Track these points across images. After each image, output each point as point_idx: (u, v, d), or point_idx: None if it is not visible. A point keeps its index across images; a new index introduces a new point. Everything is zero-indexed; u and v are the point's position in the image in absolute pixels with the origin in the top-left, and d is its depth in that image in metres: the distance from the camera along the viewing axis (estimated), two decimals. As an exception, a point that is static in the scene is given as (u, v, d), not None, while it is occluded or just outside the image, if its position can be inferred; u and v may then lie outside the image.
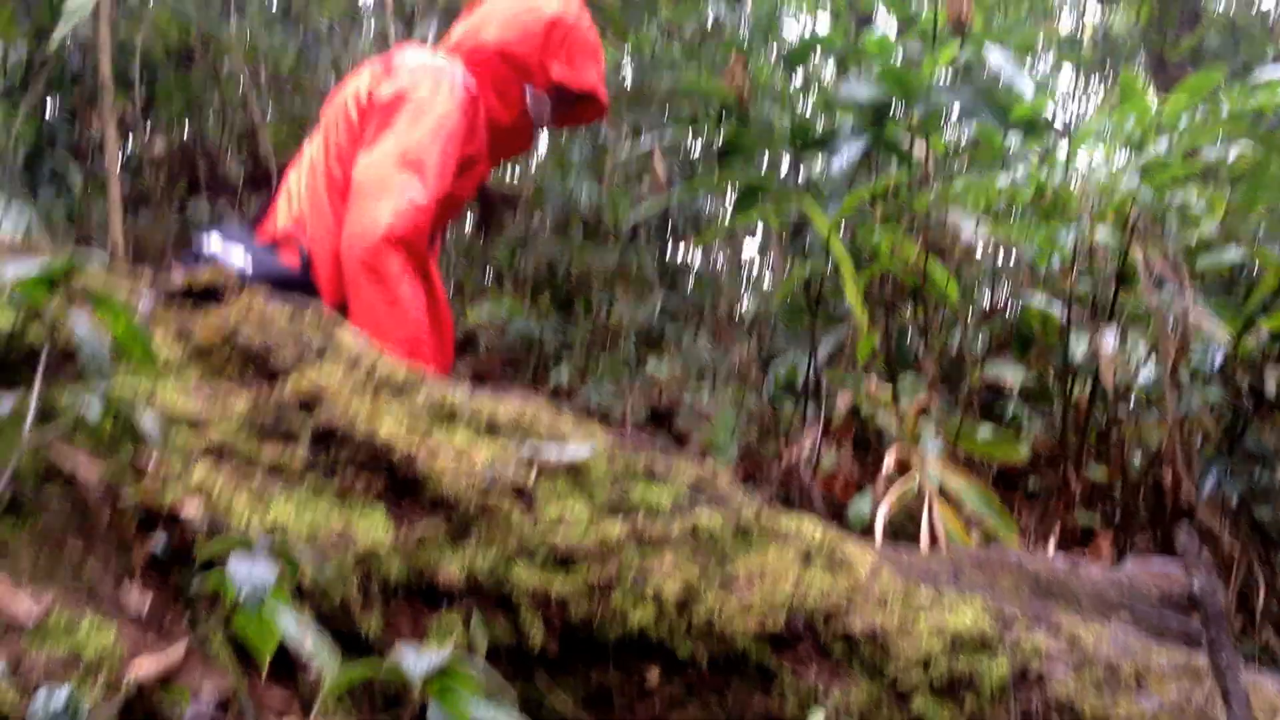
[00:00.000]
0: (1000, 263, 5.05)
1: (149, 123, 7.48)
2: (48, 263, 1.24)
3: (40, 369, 1.19)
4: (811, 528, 1.55)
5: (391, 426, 1.40)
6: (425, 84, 3.00)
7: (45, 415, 1.18)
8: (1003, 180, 3.87)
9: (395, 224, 2.72)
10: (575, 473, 1.46)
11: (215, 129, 7.51)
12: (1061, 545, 3.94)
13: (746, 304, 7.23)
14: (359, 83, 3.12)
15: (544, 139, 8.04)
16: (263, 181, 6.66)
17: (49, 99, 6.37)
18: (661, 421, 6.55)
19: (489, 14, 3.26)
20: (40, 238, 4.25)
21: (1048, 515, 4.14)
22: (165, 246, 6.79)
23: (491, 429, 1.48)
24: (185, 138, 7.40)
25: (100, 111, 5.75)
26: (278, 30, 6.53)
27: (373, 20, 7.18)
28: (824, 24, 7.07)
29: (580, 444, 1.49)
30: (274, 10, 7.30)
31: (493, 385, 5.62)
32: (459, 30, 3.31)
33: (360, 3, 7.24)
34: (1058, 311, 3.98)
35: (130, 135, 7.21)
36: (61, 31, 1.10)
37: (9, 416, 1.13)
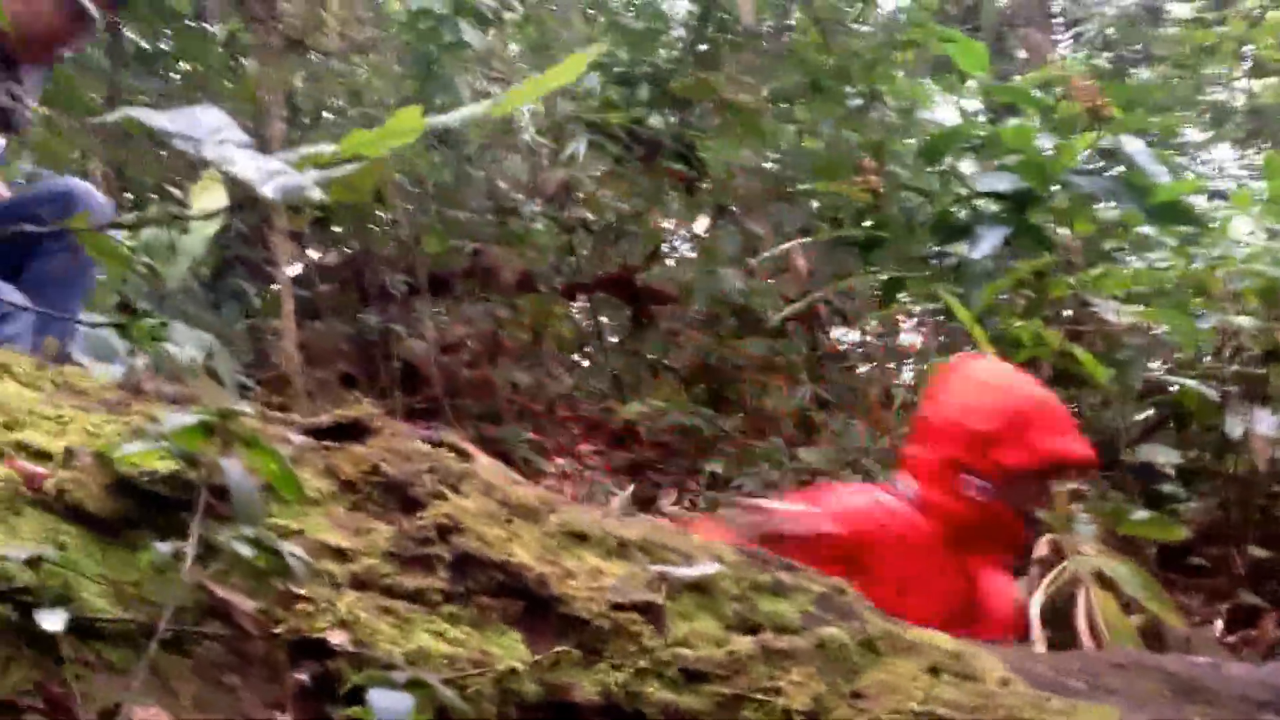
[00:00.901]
0: (1148, 345, 4.99)
1: (321, 240, 7.81)
2: (204, 411, 1.35)
3: (198, 511, 1.29)
4: (940, 639, 1.58)
5: (525, 550, 1.47)
6: None
7: (203, 555, 1.27)
8: (1144, 264, 3.85)
9: None
10: (702, 590, 1.52)
11: (381, 243, 7.80)
12: (1226, 626, 3.86)
13: (899, 388, 7.21)
14: None
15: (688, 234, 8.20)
16: (420, 292, 6.90)
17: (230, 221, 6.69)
18: (815, 510, 6.53)
19: None
20: (220, 357, 4.46)
21: (1211, 596, 4.06)
22: (336, 354, 7.06)
23: (621, 549, 1.55)
24: (353, 252, 7.70)
25: (274, 231, 6.05)
26: (436, 151, 6.79)
27: (522, 137, 7.41)
28: (957, 115, 7.08)
29: (706, 562, 1.55)
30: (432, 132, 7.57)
31: (650, 476, 5.68)
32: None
33: (510, 122, 7.47)
34: (1207, 392, 3.93)
35: (303, 251, 7.53)
36: (179, 270, 1.21)
37: (170, 557, 1.23)
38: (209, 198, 1.24)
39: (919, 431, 3.20)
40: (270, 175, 0.95)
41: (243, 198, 1.01)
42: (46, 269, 3.29)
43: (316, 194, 0.96)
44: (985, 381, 3.19)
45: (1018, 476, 3.04)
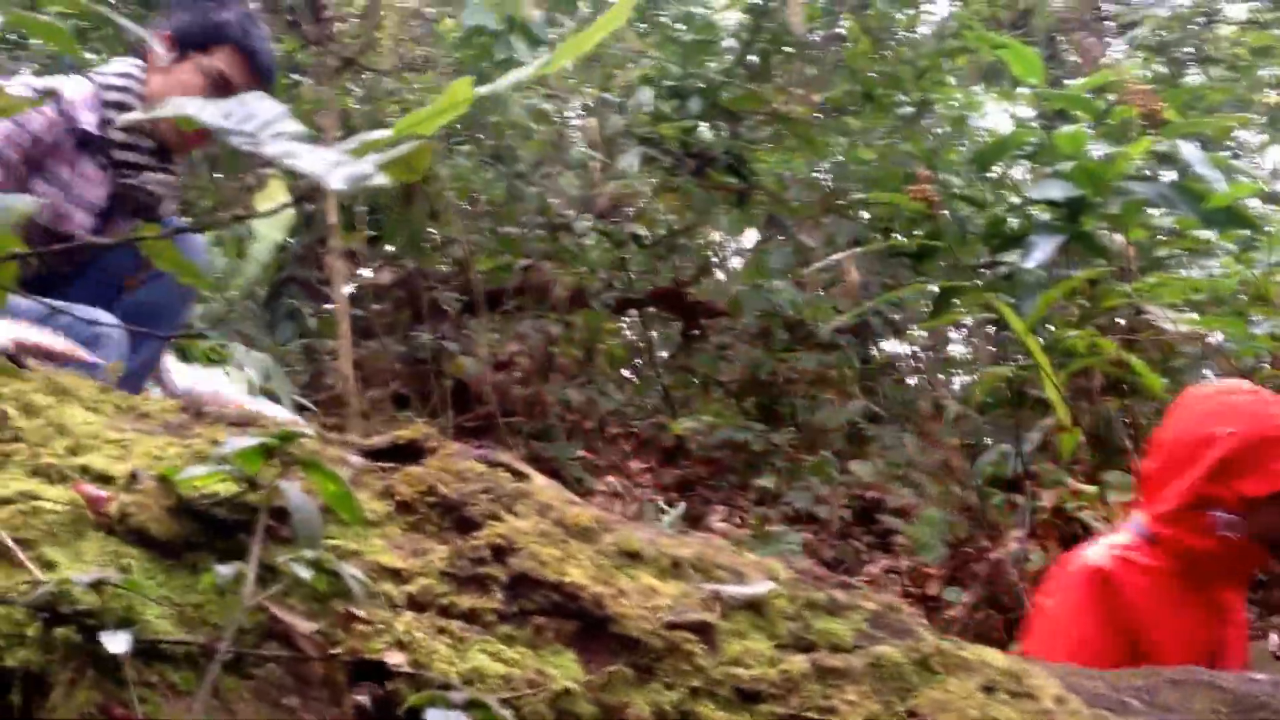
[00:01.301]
0: (1205, 352, 4.95)
1: (375, 258, 7.88)
2: (264, 434, 1.37)
3: (258, 533, 1.31)
4: (994, 657, 1.57)
5: (580, 570, 1.48)
6: None
7: (263, 577, 1.29)
8: (1201, 273, 3.82)
9: None
10: (755, 609, 1.52)
11: (434, 261, 7.86)
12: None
13: (949, 400, 7.18)
14: None
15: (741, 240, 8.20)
16: (475, 309, 6.94)
17: (286, 241, 6.77)
18: (867, 521, 6.54)
19: None
20: (278, 378, 4.53)
21: (1266, 608, 4.02)
22: (390, 373, 7.12)
23: (675, 569, 1.56)
24: (407, 270, 7.76)
25: (329, 250, 6.10)
26: (487, 169, 6.84)
27: (574, 152, 7.45)
28: (1010, 122, 7.05)
29: (759, 581, 1.55)
30: (484, 150, 7.64)
31: (700, 492, 5.68)
32: None
33: (562, 138, 7.51)
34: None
35: (358, 269, 7.60)
36: (249, 276, 1.22)
37: (231, 579, 1.25)
38: (272, 202, 1.26)
39: (1155, 457, 3.07)
40: (334, 165, 0.96)
41: (306, 191, 1.02)
42: (143, 298, 3.35)
43: (380, 178, 0.97)
44: (1223, 405, 3.03)
45: (1262, 505, 2.90)
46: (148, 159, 3.35)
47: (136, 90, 3.33)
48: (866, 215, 7.62)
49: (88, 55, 7.19)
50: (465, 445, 1.68)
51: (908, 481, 6.79)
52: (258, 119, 1.00)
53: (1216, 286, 3.92)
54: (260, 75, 3.43)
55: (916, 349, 8.26)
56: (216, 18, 3.33)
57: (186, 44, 3.31)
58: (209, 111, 1.01)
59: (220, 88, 3.33)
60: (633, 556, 1.55)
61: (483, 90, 1.08)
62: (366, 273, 8.33)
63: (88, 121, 3.25)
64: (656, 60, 7.83)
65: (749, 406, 7.84)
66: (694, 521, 5.89)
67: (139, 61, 3.41)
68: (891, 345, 8.09)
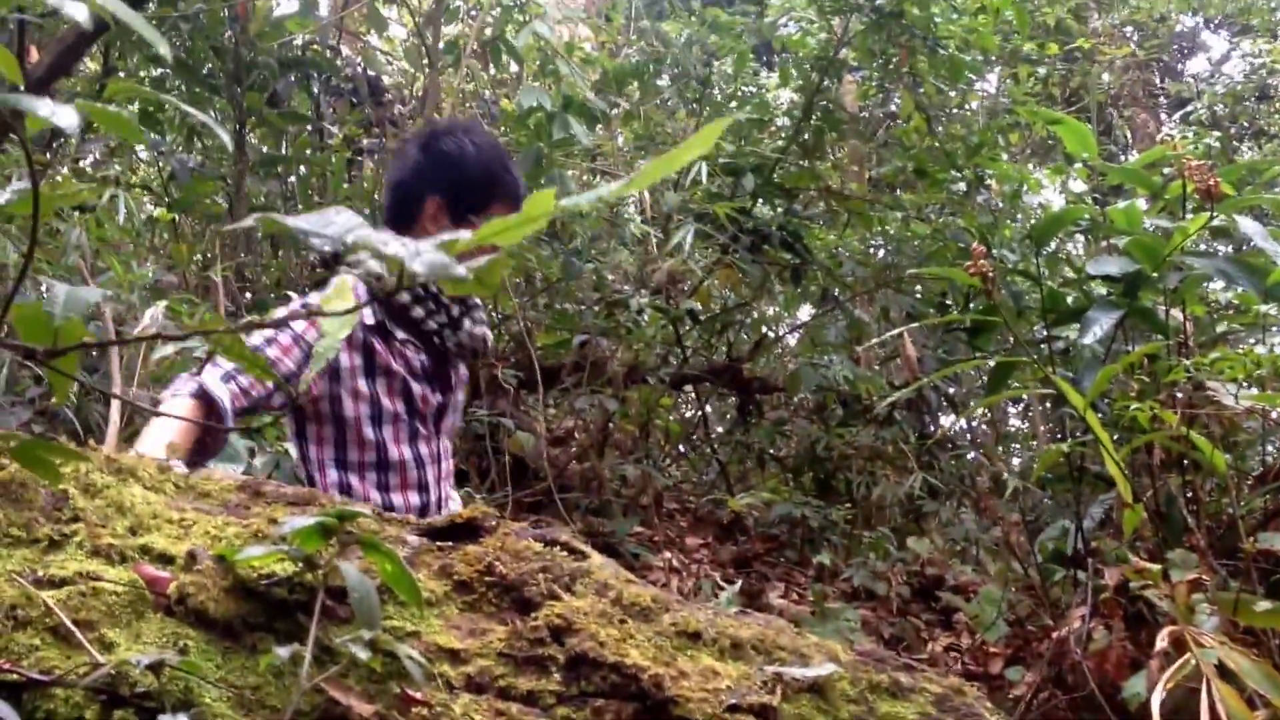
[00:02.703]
0: (1267, 428, 4.89)
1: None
2: (323, 513, 1.37)
3: (316, 613, 1.31)
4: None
5: (639, 651, 1.46)
6: None
7: (321, 658, 1.29)
8: (1263, 348, 3.78)
9: None
10: (818, 691, 1.50)
11: (494, 337, 7.89)
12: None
13: (1009, 475, 7.12)
14: None
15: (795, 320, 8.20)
16: (532, 386, 6.96)
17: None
18: (926, 598, 6.47)
19: None
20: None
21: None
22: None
23: (735, 650, 1.54)
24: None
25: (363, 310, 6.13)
26: (544, 245, 6.88)
27: (630, 229, 7.48)
28: (1062, 199, 7.04)
29: (822, 663, 1.53)
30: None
31: (757, 568, 5.62)
32: None
33: (617, 214, 7.56)
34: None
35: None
36: (314, 372, 1.24)
37: (289, 661, 1.25)
38: (340, 302, 1.27)
39: None
40: (417, 254, 0.98)
41: (384, 291, 1.04)
42: None
43: (460, 271, 0.98)
44: None
45: None
46: (454, 305, 3.27)
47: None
48: (919, 290, 7.61)
49: (152, 135, 7.33)
50: (523, 524, 1.67)
51: (967, 558, 6.72)
52: (337, 225, 1.02)
53: (1278, 361, 3.87)
54: (520, 205, 3.46)
55: (974, 423, 8.20)
56: (491, 173, 3.30)
57: (464, 209, 3.25)
58: (292, 220, 1.04)
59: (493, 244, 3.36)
60: (693, 637, 1.53)
61: (565, 204, 1.09)
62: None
63: (366, 315, 3.14)
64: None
65: (806, 482, 7.80)
66: (751, 598, 5.84)
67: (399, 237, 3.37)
68: (949, 420, 8.04)
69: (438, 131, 3.39)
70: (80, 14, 1.09)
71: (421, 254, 0.98)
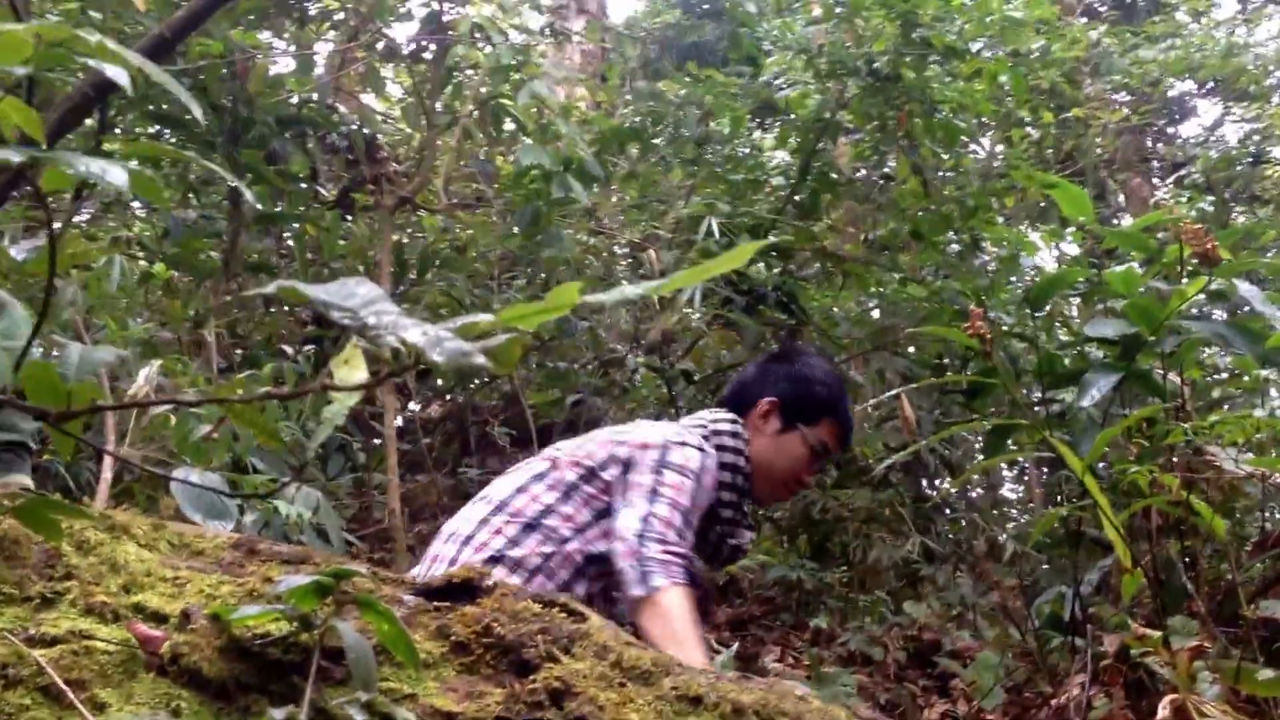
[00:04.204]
0: (1268, 492, 4.87)
1: (425, 391, 7.91)
2: (318, 573, 1.35)
3: (312, 674, 1.28)
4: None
5: (639, 715, 1.44)
6: None
7: (316, 720, 1.26)
8: (1260, 411, 3.77)
9: None
10: (821, 758, 1.48)
11: (484, 395, 7.88)
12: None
13: (1006, 539, 7.08)
14: None
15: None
16: (526, 443, 6.93)
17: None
18: (923, 663, 6.41)
19: None
20: (327, 513, 4.52)
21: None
22: (438, 507, 7.11)
23: (737, 715, 1.51)
24: (457, 403, 7.79)
25: (380, 386, 6.13)
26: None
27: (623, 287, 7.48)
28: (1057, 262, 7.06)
29: (825, 728, 1.51)
30: (536, 285, 7.70)
31: (753, 631, 5.57)
32: None
33: (612, 273, 7.57)
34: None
35: (406, 404, 7.64)
36: (320, 438, 1.23)
37: (284, 724, 1.22)
38: (350, 369, 1.26)
39: None
40: (437, 341, 0.97)
41: (399, 369, 1.03)
42: None
43: (480, 359, 0.98)
44: None
45: None
46: (741, 515, 3.44)
47: (745, 452, 3.43)
48: (913, 350, 7.61)
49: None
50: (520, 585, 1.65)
51: (964, 623, 6.67)
52: (358, 297, 1.02)
53: (1277, 426, 3.86)
54: (846, 441, 3.73)
55: (970, 491, 8.17)
56: (829, 396, 3.59)
57: (795, 416, 3.51)
58: (313, 290, 1.03)
59: (820, 456, 3.58)
60: (694, 702, 1.51)
61: (590, 299, 1.09)
62: (416, 406, 8.37)
63: (710, 484, 3.31)
64: (706, 199, 7.90)
65: (801, 544, 7.76)
66: (748, 661, 5.79)
67: (733, 417, 3.51)
68: (945, 483, 8.01)
69: (793, 351, 3.94)
70: (123, 79, 1.11)
71: (443, 342, 0.98)
